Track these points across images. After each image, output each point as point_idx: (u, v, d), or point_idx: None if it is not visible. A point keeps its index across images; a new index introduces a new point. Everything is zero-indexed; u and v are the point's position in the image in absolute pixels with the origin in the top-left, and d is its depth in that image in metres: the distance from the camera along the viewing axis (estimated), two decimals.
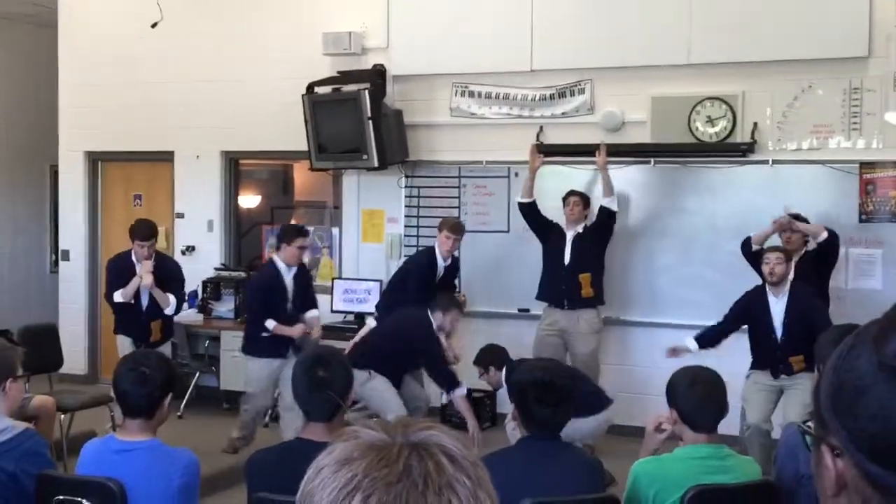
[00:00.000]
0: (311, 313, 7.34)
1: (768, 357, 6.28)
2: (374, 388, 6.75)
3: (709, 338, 6.58)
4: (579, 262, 7.47)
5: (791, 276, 6.34)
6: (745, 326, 6.50)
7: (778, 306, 6.27)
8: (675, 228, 7.76)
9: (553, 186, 7.83)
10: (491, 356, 6.69)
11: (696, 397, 3.27)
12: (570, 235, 7.56)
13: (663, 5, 7.76)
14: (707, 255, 7.62)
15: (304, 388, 3.28)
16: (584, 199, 7.61)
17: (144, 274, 7.08)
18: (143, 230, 7.20)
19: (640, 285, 7.93)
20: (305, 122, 8.44)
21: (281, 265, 7.16)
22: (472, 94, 8.44)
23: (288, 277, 7.17)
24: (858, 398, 1.15)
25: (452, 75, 8.44)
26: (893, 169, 7.19)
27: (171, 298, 7.25)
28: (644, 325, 7.89)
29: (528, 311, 7.90)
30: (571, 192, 7.63)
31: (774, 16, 7.43)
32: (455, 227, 7.52)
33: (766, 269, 6.29)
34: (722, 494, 3.23)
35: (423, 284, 7.32)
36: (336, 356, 3.40)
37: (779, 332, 6.25)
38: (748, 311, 6.45)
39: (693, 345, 6.58)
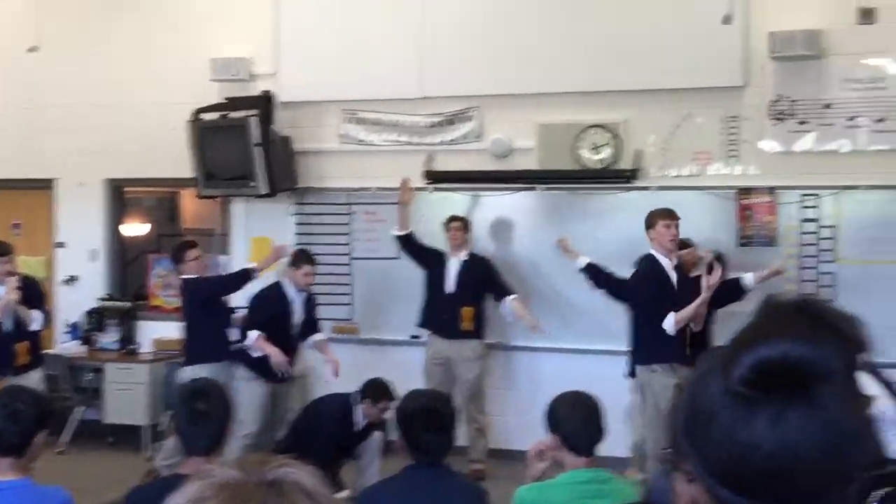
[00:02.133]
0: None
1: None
2: (247, 393, 6.86)
3: (602, 273, 7.02)
4: (464, 292, 7.51)
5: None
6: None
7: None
8: (561, 254, 7.86)
9: (443, 213, 7.87)
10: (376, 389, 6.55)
11: (576, 421, 3.31)
12: (454, 262, 7.60)
13: (550, 33, 7.90)
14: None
15: (184, 421, 3.22)
16: (465, 224, 7.68)
17: (11, 291, 6.86)
18: (1, 248, 7.12)
19: (531, 310, 7.99)
20: (192, 148, 8.32)
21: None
22: (361, 121, 8.45)
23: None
24: (709, 423, 1.18)
25: (341, 102, 8.43)
26: (769, 195, 7.45)
27: (37, 314, 7.05)
28: (530, 350, 7.97)
29: (419, 337, 7.90)
30: (453, 218, 7.69)
31: (656, 46, 7.63)
32: (668, 213, 6.60)
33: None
34: None
35: (654, 292, 6.53)
36: (217, 388, 3.34)
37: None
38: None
39: (584, 260, 7.06)
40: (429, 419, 3.30)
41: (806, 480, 1.14)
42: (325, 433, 6.35)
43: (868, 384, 4.05)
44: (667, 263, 6.45)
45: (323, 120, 8.54)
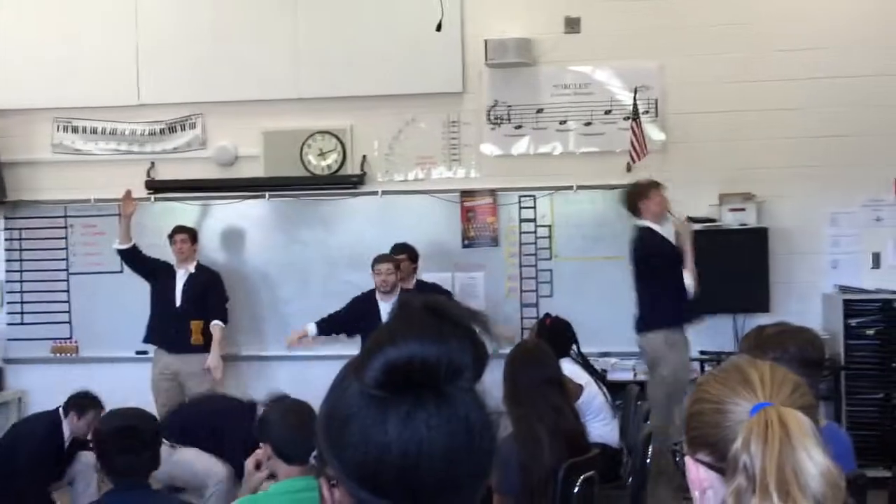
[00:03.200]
0: None
1: None
2: (178, 462, 5.48)
3: (328, 324, 7.05)
4: (192, 305, 7.31)
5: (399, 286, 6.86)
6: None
7: (387, 309, 6.60)
8: (292, 261, 7.83)
9: (166, 224, 7.61)
10: None
11: (288, 430, 3.27)
12: (181, 274, 7.38)
13: (270, 40, 7.83)
14: (324, 285, 7.73)
15: None
16: (191, 235, 7.47)
17: None
18: None
19: (261, 319, 7.90)
20: None
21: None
22: (75, 130, 8.04)
23: None
24: (345, 427, 1.18)
25: (54, 109, 8.00)
26: (490, 196, 7.72)
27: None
28: (262, 360, 7.87)
29: (146, 353, 7.60)
30: (178, 229, 7.45)
31: (377, 52, 7.73)
32: (656, 182, 6.54)
33: (377, 279, 6.80)
34: None
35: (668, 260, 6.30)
36: None
37: None
38: (360, 312, 6.85)
39: (313, 329, 7.03)
40: (123, 439, 3.16)
41: (438, 477, 1.16)
42: (31, 458, 5.80)
43: (577, 373, 4.29)
44: (663, 231, 6.44)
45: (33, 129, 8.06)
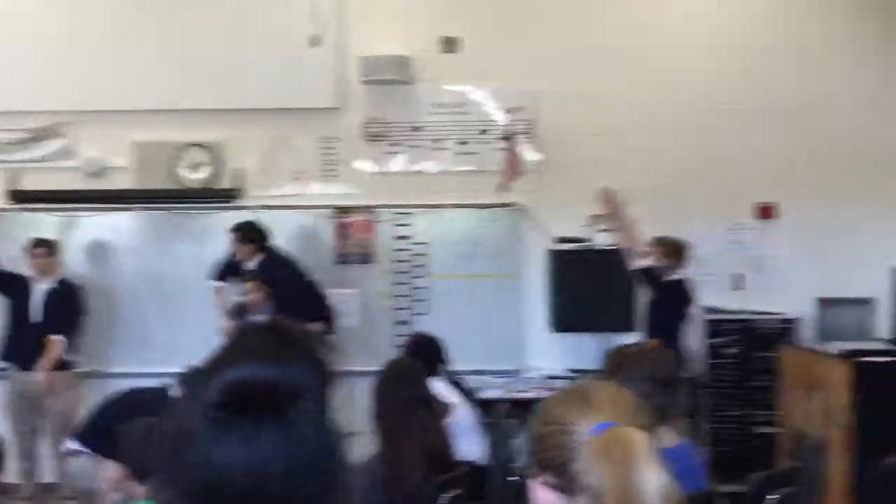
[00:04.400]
0: None
1: None
2: None
3: None
4: (52, 320, 7.05)
5: None
6: None
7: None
8: (163, 275, 7.66)
9: (30, 235, 7.34)
10: None
11: (143, 450, 3.18)
12: (38, 289, 7.12)
13: (144, 50, 7.67)
14: (198, 299, 7.57)
15: None
16: (51, 248, 7.21)
17: None
18: None
19: (129, 335, 7.69)
20: None
21: None
22: None
23: None
24: (185, 449, 1.16)
25: None
26: (364, 213, 7.70)
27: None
28: (135, 377, 7.63)
29: (3, 370, 7.31)
30: (35, 242, 7.17)
31: (254, 66, 7.65)
32: None
33: None
34: None
35: None
36: None
37: None
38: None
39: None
40: None
41: (283, 498, 1.14)
42: None
43: (447, 392, 4.30)
44: None
45: None
